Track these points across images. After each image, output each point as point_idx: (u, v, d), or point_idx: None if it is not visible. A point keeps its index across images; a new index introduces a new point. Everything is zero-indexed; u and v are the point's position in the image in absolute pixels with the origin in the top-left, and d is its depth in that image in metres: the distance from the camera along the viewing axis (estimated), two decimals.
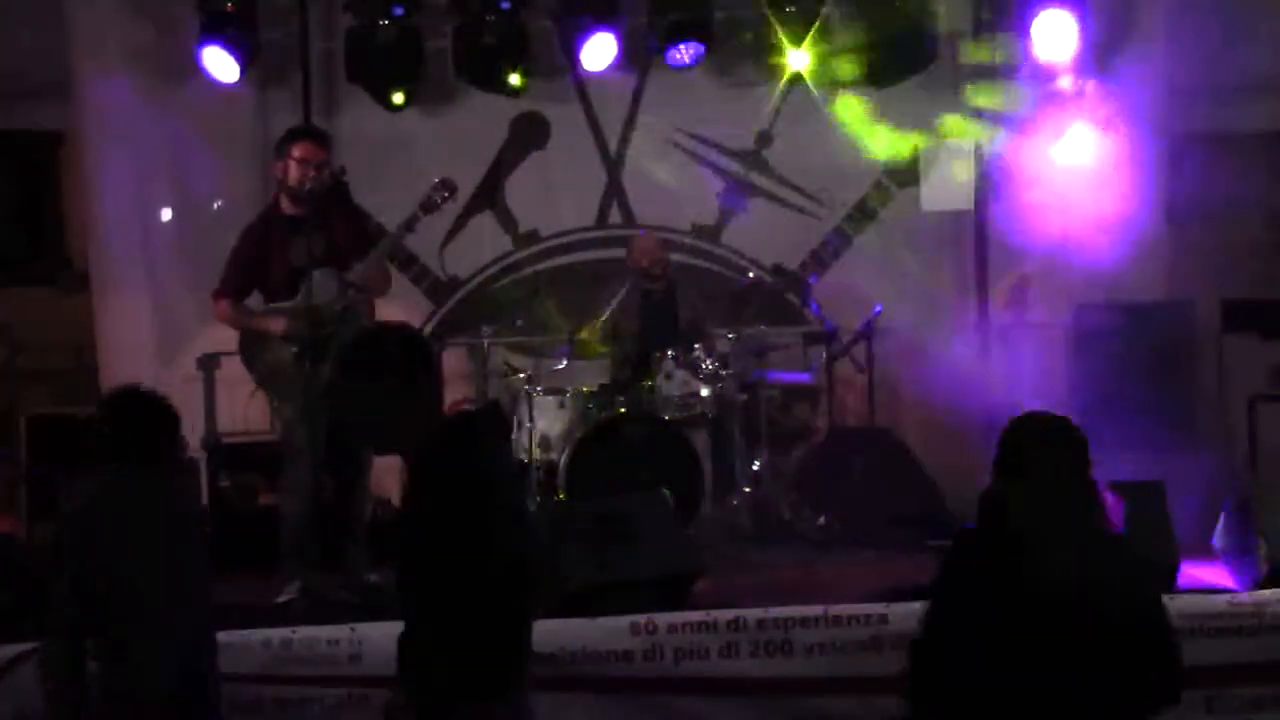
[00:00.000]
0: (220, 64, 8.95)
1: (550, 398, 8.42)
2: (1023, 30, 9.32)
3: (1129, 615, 4.05)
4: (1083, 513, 4.08)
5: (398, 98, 9.28)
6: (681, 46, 9.26)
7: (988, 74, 9.49)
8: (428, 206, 7.00)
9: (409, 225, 7.00)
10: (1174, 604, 6.18)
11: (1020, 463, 4.07)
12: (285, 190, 7.02)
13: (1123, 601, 4.05)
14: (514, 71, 9.27)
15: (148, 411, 4.56)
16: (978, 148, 9.30)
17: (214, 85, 9.04)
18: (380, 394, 3.86)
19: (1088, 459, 4.07)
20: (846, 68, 9.50)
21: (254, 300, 7.18)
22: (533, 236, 9.78)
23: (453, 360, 9.09)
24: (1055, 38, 9.14)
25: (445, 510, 3.79)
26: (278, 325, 6.94)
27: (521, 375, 8.51)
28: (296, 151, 6.99)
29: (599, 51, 9.27)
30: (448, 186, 7.02)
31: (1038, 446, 4.06)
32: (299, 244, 6.87)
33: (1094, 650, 3.97)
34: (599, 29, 9.18)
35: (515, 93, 9.40)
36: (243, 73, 9.05)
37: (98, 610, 4.37)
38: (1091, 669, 3.98)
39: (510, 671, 3.85)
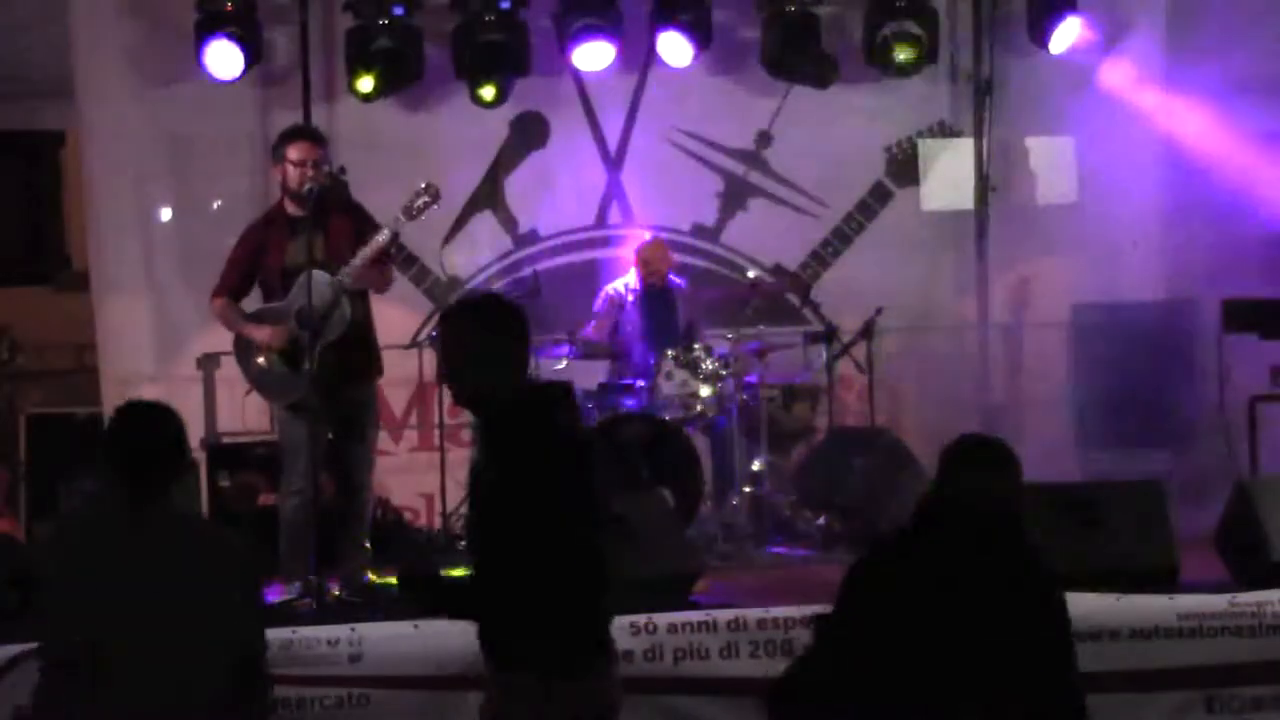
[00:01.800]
0: (220, 63, 8.93)
1: None
2: (1023, 30, 9.36)
3: (1031, 632, 4.09)
4: (1001, 531, 4.15)
5: (365, 85, 9.11)
6: (672, 43, 9.22)
7: None
8: (409, 212, 6.93)
9: (393, 231, 6.93)
10: (1174, 604, 6.25)
11: (948, 478, 4.19)
12: (286, 193, 7.03)
13: (1026, 619, 4.10)
14: (488, 84, 9.24)
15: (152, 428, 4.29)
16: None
17: (214, 85, 9.03)
18: (477, 349, 4.00)
19: (1015, 479, 4.19)
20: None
21: (254, 297, 7.19)
22: (533, 236, 9.78)
23: None
24: (1064, 38, 9.15)
25: (539, 474, 3.87)
26: (260, 334, 6.95)
27: None
28: (292, 153, 6.99)
29: (594, 56, 9.22)
30: (430, 192, 6.96)
31: (965, 465, 4.18)
32: (297, 244, 6.88)
33: (994, 663, 4.01)
34: (596, 35, 9.14)
35: (490, 105, 9.35)
36: (243, 72, 9.04)
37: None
38: (991, 680, 4.01)
39: (595, 647, 3.94)
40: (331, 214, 6.98)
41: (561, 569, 3.87)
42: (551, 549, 3.86)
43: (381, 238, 6.86)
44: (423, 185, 6.96)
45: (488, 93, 9.24)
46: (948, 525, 4.13)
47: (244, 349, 7.09)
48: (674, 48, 9.22)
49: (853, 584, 4.21)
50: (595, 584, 3.99)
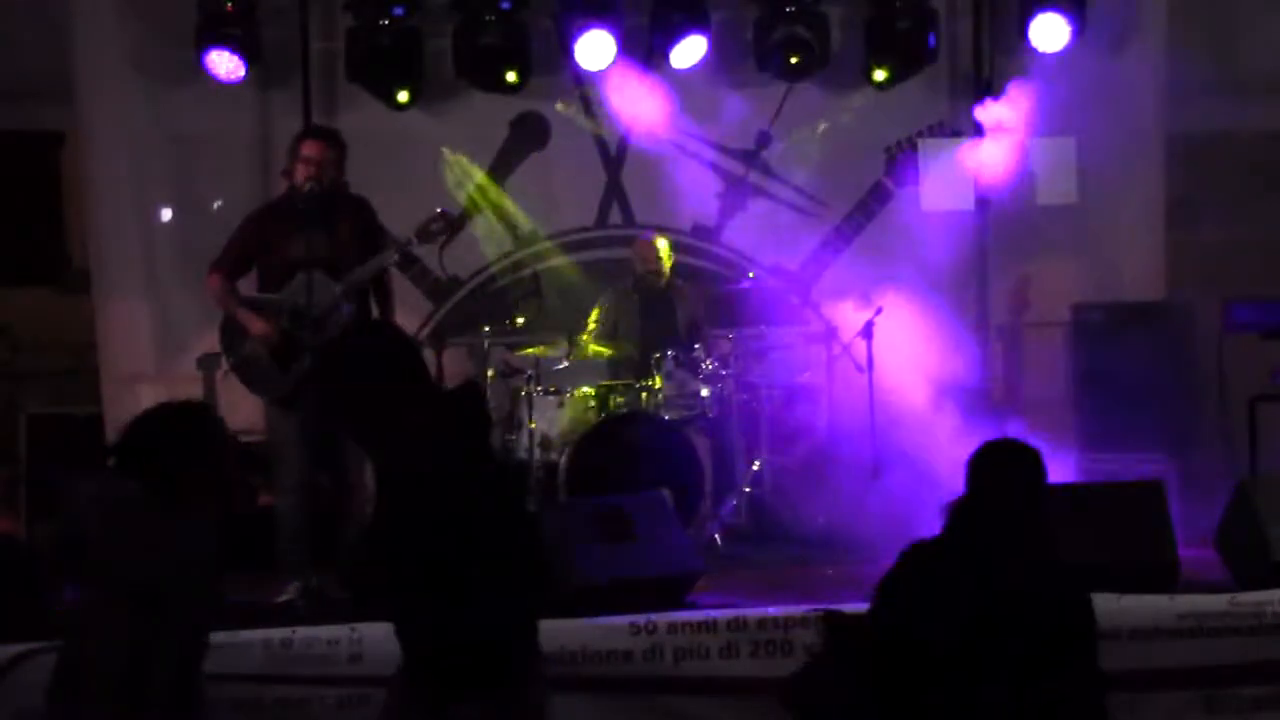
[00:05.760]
0: (221, 64, 8.93)
1: (550, 398, 8.43)
2: (1022, 31, 9.36)
3: (1059, 627, 4.19)
4: (1026, 530, 4.29)
5: (402, 95, 9.26)
6: (683, 42, 9.23)
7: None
8: (423, 235, 6.97)
9: (402, 249, 6.95)
10: (1174, 604, 6.25)
11: (976, 481, 4.34)
12: (292, 187, 7.02)
13: (1053, 613, 4.19)
14: (511, 69, 9.27)
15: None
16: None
17: (214, 85, 9.03)
18: (359, 392, 3.90)
19: (1039, 481, 4.37)
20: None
21: (249, 284, 7.17)
22: (533, 236, 9.78)
23: (453, 360, 9.09)
24: (1052, 38, 9.15)
25: (450, 500, 3.83)
26: (255, 327, 6.93)
27: (522, 375, 8.51)
28: (303, 149, 7.01)
29: (596, 50, 9.21)
30: (446, 218, 6.98)
31: (991, 468, 4.34)
32: (299, 240, 6.88)
33: (1025, 657, 4.07)
34: (596, 27, 9.14)
35: (514, 89, 9.37)
36: (244, 76, 9.03)
37: None
38: (1023, 677, 4.07)
39: (522, 662, 3.89)
40: (339, 214, 6.98)
41: (498, 582, 3.86)
42: (490, 561, 3.84)
43: (389, 253, 6.86)
44: (439, 211, 6.98)
45: (511, 76, 9.27)
46: (978, 527, 4.18)
47: (233, 332, 7.06)
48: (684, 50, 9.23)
49: (890, 587, 4.25)
50: (529, 596, 4.00)
